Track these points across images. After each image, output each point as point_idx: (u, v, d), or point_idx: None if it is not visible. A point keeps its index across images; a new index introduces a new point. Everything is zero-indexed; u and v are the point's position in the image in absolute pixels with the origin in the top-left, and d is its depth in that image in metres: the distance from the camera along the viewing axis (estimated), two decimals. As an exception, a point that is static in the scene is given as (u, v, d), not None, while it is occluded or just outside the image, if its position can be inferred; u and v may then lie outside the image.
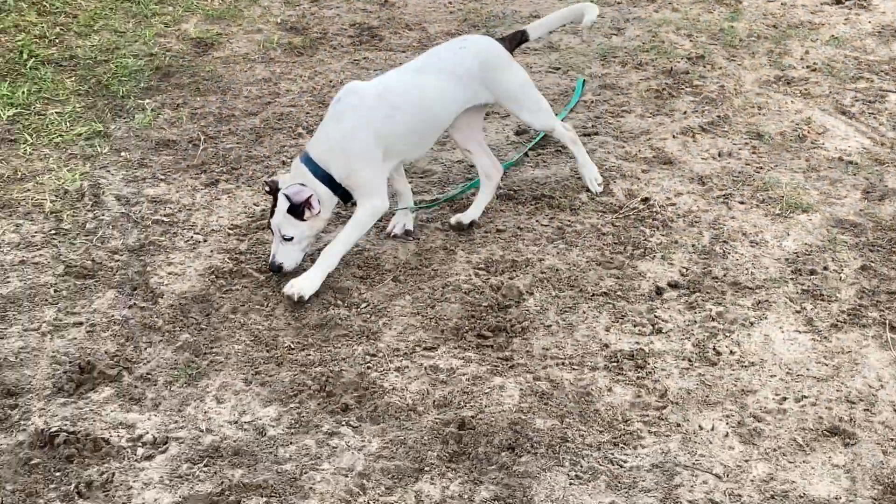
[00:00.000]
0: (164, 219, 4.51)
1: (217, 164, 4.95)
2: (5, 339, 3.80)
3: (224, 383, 3.63)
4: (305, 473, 3.26)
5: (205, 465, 3.28)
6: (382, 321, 3.93)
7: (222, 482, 3.21)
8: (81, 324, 3.89)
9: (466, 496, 3.18)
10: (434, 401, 3.55)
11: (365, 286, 4.12)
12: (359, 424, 3.45)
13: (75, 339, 3.81)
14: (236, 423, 3.46)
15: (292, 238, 4.03)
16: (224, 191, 4.73)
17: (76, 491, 3.17)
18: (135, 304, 4.00)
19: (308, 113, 5.38)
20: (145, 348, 3.76)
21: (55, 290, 4.06)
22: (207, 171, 4.89)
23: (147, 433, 3.40)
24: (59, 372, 3.65)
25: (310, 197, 3.97)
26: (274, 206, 4.04)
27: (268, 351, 3.78)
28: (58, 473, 3.24)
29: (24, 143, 5.07)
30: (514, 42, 4.59)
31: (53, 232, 4.42)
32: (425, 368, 3.70)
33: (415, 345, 3.81)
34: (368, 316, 3.96)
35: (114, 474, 3.24)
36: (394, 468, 3.28)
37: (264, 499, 3.15)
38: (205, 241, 4.38)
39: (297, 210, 3.99)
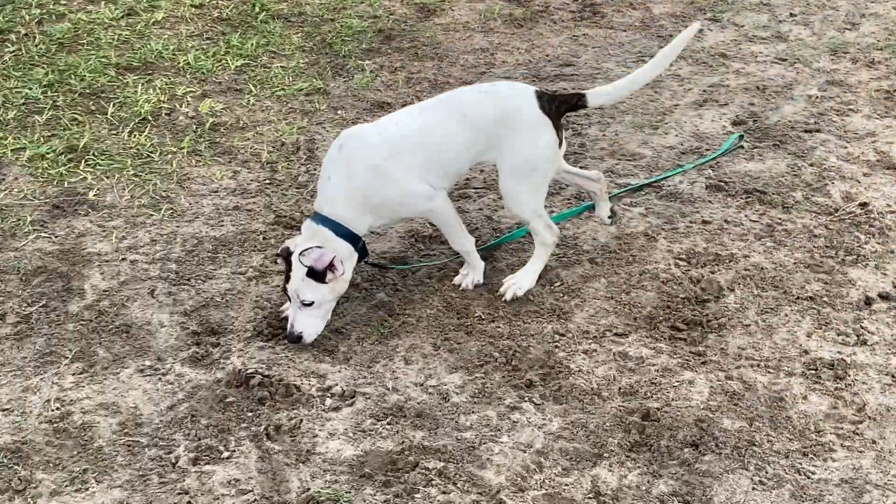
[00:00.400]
0: (372, 179, 4.61)
1: (428, 130, 5.01)
2: (214, 280, 3.97)
3: (413, 345, 3.68)
4: (484, 444, 3.28)
5: (388, 423, 3.35)
6: (574, 302, 3.90)
7: (403, 442, 3.27)
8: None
9: (644, 488, 3.13)
10: (620, 388, 3.50)
11: (560, 265, 4.10)
12: (541, 402, 3.44)
13: (278, 286, 3.95)
14: (422, 385, 3.51)
15: (312, 303, 3.62)
16: (432, 156, 4.79)
17: (265, 432, 3.30)
18: (336, 258, 4.10)
19: (522, 86, 5.39)
20: (342, 303, 3.85)
21: (264, 238, 4.22)
22: (418, 136, 4.95)
23: (336, 385, 3.49)
24: (260, 317, 3.80)
25: (333, 259, 3.60)
26: (289, 271, 3.65)
27: (458, 319, 3.81)
28: (250, 414, 3.37)
29: (248, 94, 5.28)
30: (566, 105, 3.93)
31: (267, 182, 4.59)
32: (614, 354, 3.65)
33: (605, 329, 3.77)
34: (561, 295, 3.93)
35: (301, 421, 3.35)
36: (572, 450, 3.26)
37: (442, 463, 3.19)
38: (409, 204, 4.45)
39: (318, 273, 3.61)
